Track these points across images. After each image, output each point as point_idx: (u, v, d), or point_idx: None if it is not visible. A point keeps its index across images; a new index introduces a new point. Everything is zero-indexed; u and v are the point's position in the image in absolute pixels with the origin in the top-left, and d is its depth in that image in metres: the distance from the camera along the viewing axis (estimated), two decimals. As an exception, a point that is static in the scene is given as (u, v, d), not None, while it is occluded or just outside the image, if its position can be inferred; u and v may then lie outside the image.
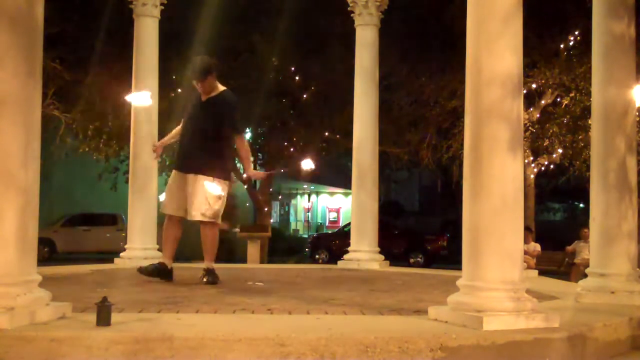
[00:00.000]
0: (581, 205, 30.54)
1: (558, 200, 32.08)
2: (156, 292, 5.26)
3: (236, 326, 3.65)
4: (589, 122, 9.38)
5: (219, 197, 5.93)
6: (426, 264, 19.81)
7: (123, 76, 12.10)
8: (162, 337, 3.32)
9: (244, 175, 6.27)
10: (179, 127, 6.30)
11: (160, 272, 5.99)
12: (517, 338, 3.57)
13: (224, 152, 6.09)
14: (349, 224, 10.97)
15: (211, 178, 5.90)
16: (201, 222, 5.94)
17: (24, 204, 3.61)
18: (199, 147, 5.95)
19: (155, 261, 6.29)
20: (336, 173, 25.82)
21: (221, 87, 6.12)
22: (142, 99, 6.83)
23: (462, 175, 4.22)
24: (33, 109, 3.73)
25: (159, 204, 6.56)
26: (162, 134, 7.85)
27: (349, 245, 9.23)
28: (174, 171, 6.19)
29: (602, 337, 4.00)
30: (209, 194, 5.87)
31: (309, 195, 35.50)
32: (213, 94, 6.04)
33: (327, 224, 34.32)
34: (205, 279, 5.88)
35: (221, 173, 5.99)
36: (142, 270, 5.97)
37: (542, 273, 8.50)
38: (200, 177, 5.89)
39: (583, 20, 13.00)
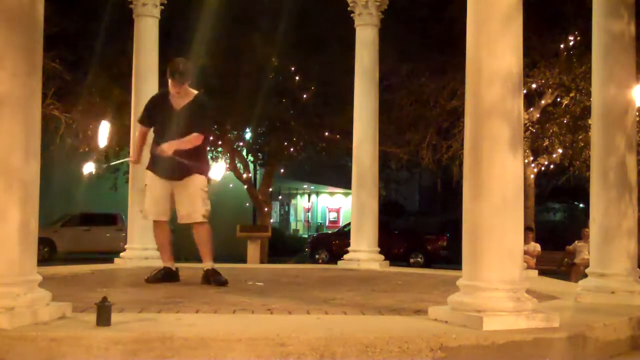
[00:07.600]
0: (581, 205, 30.51)
1: (558, 200, 32.03)
2: (156, 292, 5.26)
3: (236, 326, 3.65)
4: (589, 122, 9.39)
5: (208, 196, 6.05)
6: (426, 264, 19.80)
7: (123, 76, 12.11)
8: (162, 337, 3.32)
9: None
10: (144, 129, 6.24)
11: (167, 276, 6.03)
12: (517, 338, 3.57)
13: (204, 152, 6.19)
14: (349, 224, 10.97)
15: (203, 177, 6.00)
16: (198, 222, 5.96)
17: (26, 203, 3.61)
18: (183, 154, 5.83)
19: (156, 263, 6.29)
20: (336, 173, 25.79)
21: (194, 92, 6.06)
22: (102, 131, 6.78)
23: (462, 175, 4.22)
24: (33, 108, 3.73)
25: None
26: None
27: (349, 245, 9.22)
28: (155, 177, 6.01)
29: (602, 337, 4.00)
30: (203, 194, 5.96)
31: (309, 195, 35.50)
32: (187, 100, 5.95)
33: (327, 224, 34.30)
34: (213, 278, 5.86)
35: (205, 172, 6.09)
36: (149, 280, 5.96)
37: (542, 273, 8.50)
38: (195, 178, 5.92)
39: (583, 20, 12.98)
